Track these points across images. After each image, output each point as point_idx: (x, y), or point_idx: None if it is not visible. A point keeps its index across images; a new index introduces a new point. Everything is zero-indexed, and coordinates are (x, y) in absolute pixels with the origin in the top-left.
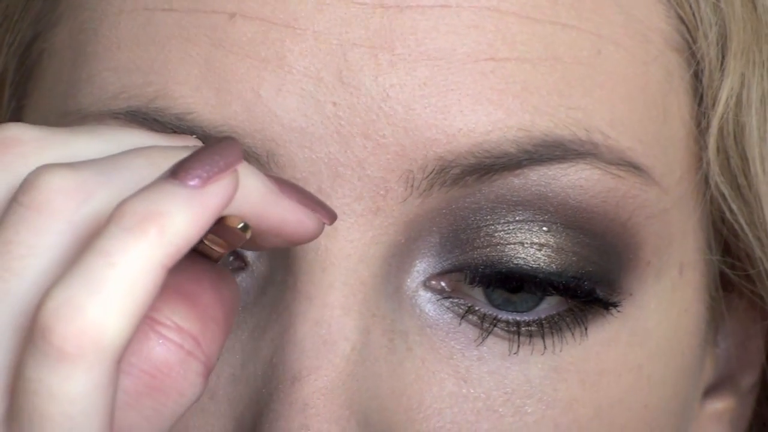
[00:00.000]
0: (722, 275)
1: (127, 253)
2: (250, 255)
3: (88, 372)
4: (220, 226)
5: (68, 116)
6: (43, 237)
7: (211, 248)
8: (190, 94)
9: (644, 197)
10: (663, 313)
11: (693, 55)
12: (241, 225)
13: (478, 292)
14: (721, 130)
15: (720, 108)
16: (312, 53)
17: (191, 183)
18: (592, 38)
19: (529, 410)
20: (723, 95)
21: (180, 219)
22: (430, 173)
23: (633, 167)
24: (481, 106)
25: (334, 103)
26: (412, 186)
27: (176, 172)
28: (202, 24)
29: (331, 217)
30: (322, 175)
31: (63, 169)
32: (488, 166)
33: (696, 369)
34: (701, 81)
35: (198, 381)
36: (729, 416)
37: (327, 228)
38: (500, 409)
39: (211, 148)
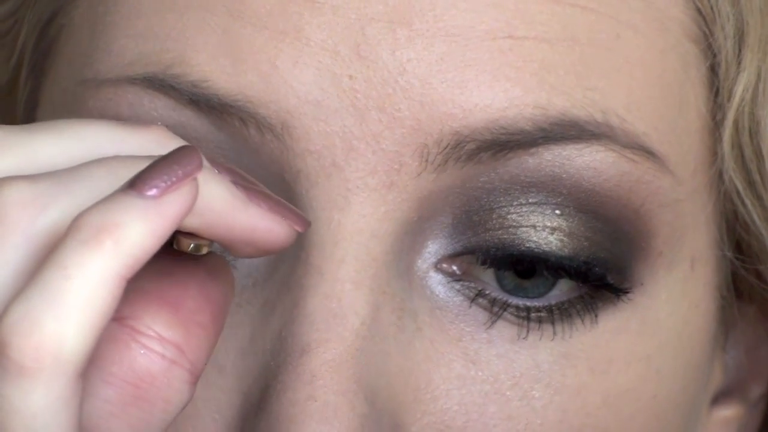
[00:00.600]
0: (734, 279)
1: (84, 265)
2: None
3: (49, 385)
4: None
5: (85, 83)
6: (0, 251)
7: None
8: (206, 62)
9: (658, 184)
10: (673, 306)
11: (710, 47)
12: (191, 247)
13: (489, 277)
14: (736, 124)
15: (735, 102)
16: (330, 26)
17: (149, 193)
18: (612, 22)
19: (536, 395)
20: (739, 89)
21: (136, 230)
22: (445, 148)
23: (648, 153)
24: (498, 82)
25: (350, 77)
26: (426, 161)
27: (134, 183)
28: None
29: (303, 224)
30: (336, 149)
31: (19, 181)
32: (503, 142)
33: (705, 368)
34: (717, 74)
35: (184, 388)
36: (737, 424)
37: (340, 201)
38: (508, 393)
39: (170, 157)
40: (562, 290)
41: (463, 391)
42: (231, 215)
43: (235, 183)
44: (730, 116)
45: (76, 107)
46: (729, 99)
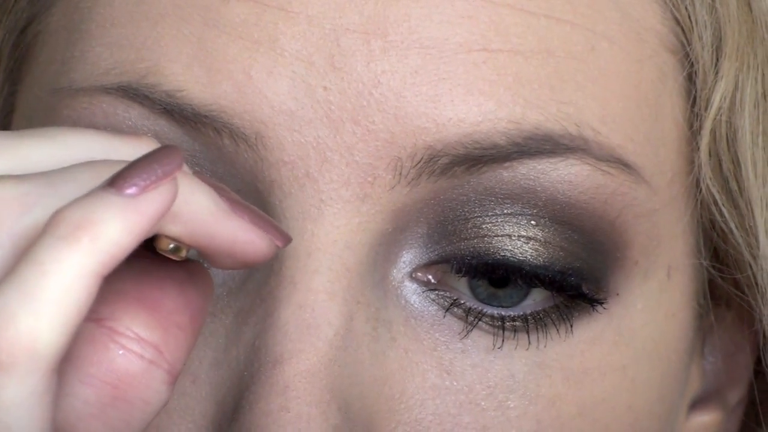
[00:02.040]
0: (711, 286)
1: (60, 261)
2: None
3: (23, 380)
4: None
5: (59, 93)
6: None
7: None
8: (181, 72)
9: (633, 195)
10: (649, 315)
11: (687, 56)
12: (171, 247)
13: (463, 286)
14: (713, 132)
15: (713, 111)
16: (304, 37)
17: (128, 191)
18: (587, 34)
19: (511, 405)
20: (716, 98)
21: (114, 227)
22: (419, 162)
23: (623, 165)
24: (472, 96)
25: (325, 88)
26: (400, 174)
27: (113, 181)
28: (196, 3)
29: (285, 239)
30: (310, 159)
31: (6, 180)
32: (477, 157)
33: (682, 376)
34: (695, 83)
35: (162, 388)
36: (715, 430)
37: (314, 212)
38: (482, 403)
39: (150, 156)
40: (536, 300)
41: (437, 402)
42: (213, 224)
43: (219, 194)
44: (707, 125)
45: (50, 116)
46: (706, 108)
